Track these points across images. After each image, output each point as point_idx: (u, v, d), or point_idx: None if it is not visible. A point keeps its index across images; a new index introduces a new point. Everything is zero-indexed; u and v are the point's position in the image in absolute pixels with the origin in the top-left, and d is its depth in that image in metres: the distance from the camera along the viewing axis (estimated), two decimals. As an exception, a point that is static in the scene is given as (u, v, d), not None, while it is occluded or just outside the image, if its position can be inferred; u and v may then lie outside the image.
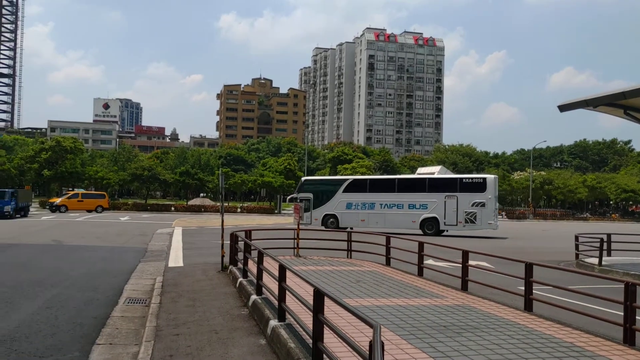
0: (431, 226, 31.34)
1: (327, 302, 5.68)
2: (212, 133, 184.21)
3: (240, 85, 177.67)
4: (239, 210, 60.45)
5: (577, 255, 18.84)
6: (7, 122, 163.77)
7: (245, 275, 11.24)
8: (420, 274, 12.69)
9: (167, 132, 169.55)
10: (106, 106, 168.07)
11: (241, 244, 12.85)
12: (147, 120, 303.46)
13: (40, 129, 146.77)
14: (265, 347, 7.15)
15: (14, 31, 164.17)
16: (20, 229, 28.81)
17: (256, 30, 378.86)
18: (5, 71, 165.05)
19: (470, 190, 31.08)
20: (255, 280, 9.75)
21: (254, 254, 11.16)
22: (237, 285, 11.26)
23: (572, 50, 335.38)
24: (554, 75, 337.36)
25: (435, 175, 36.41)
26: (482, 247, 19.60)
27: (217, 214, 48.02)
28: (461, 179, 33.11)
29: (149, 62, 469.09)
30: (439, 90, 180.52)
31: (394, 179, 36.84)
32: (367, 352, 4.24)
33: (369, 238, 16.23)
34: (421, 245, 12.81)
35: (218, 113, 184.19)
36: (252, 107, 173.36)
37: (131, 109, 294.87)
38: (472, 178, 33.24)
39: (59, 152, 65.86)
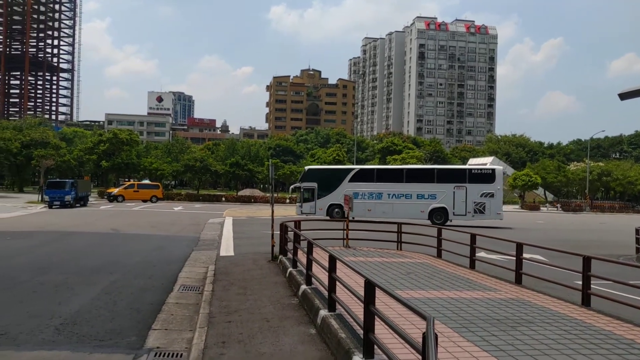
0: (440, 216, 31.65)
1: (378, 293, 5.65)
2: (262, 125, 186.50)
3: (289, 76, 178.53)
4: (287, 201, 60.89)
5: (637, 249, 18.06)
6: (67, 115, 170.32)
7: (294, 265, 11.32)
8: (472, 266, 12.47)
9: (218, 124, 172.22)
10: (160, 99, 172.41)
11: (291, 234, 12.95)
12: (198, 113, 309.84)
13: (98, 121, 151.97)
14: (316, 336, 7.19)
15: (73, 27, 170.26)
16: (80, 217, 29.98)
17: (305, 21, 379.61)
18: (65, 66, 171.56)
19: (479, 181, 31.80)
20: (304, 271, 9.81)
21: (304, 244, 11.23)
22: (287, 275, 11.36)
23: (634, 36, 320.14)
24: (614, 62, 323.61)
25: (444, 166, 37.22)
26: (526, 238, 19.07)
27: (267, 205, 48.56)
28: (470, 169, 33.87)
29: (201, 55, 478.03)
30: (492, 79, 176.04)
31: (402, 169, 36.10)
32: (420, 344, 4.20)
33: (420, 230, 16.04)
34: (473, 237, 12.56)
35: (267, 105, 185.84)
36: (300, 99, 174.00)
37: (183, 102, 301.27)
38: (481, 169, 34.58)
39: (116, 144, 68.03)
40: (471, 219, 31.35)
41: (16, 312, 8.45)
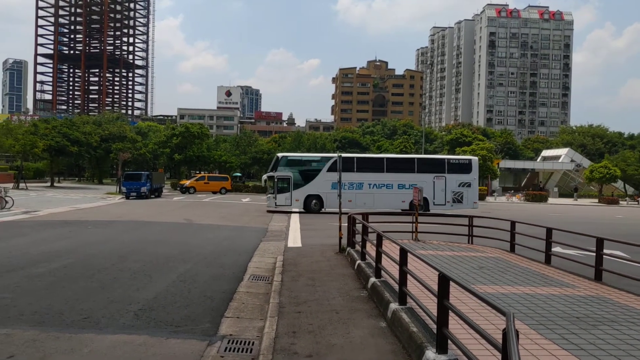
0: (421, 206, 30.64)
1: (451, 287, 5.51)
2: (327, 117, 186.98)
3: (355, 68, 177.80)
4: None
5: None
6: (142, 110, 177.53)
7: (363, 258, 11.26)
8: (547, 261, 11.98)
9: (284, 117, 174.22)
10: (228, 93, 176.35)
11: (359, 227, 12.89)
12: (265, 106, 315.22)
13: (171, 116, 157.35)
14: (386, 329, 7.12)
15: (147, 25, 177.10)
16: (154, 208, 31.18)
17: (373, 11, 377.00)
18: (140, 63, 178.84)
19: (458, 172, 32.06)
20: (373, 263, 9.74)
21: (372, 236, 11.16)
22: (355, 267, 11.33)
23: None
24: None
25: (424, 156, 36.32)
26: (602, 233, 18.09)
27: (333, 197, 48.68)
28: (449, 159, 33.61)
29: (269, 49, 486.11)
30: (567, 68, 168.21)
31: (383, 158, 34.06)
32: (498, 341, 4.05)
33: (491, 223, 15.58)
34: (549, 231, 12.06)
35: (333, 97, 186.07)
36: (367, 90, 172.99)
37: (251, 96, 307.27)
38: (459, 159, 34.24)
39: (187, 138, 70.12)
40: (450, 209, 31.09)
41: (98, 297, 8.88)
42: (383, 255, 9.16)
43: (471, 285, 8.66)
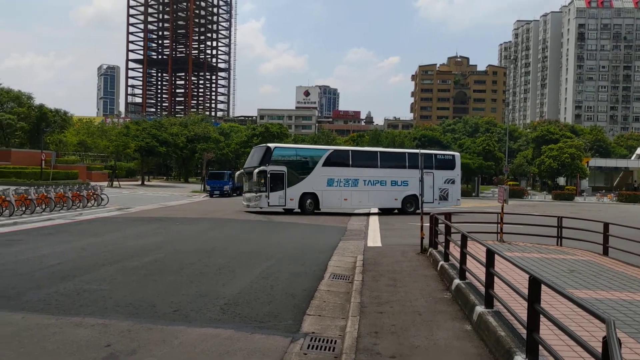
0: (411, 204, 29.39)
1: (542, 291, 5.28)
2: (406, 115, 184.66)
3: (435, 65, 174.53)
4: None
5: None
6: (225, 111, 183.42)
7: (446, 259, 11.03)
8: (646, 266, 11.22)
9: (362, 116, 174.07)
10: (307, 93, 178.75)
11: (441, 227, 12.64)
12: (343, 105, 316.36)
13: (251, 116, 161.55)
14: (471, 333, 6.93)
15: (229, 29, 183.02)
16: (237, 206, 32.08)
17: (455, 6, 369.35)
18: (223, 66, 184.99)
19: (444, 168, 30.63)
20: (457, 264, 9.52)
21: (455, 237, 10.90)
22: (438, 268, 11.11)
23: None
24: None
25: (413, 150, 34.09)
26: None
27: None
28: (435, 154, 31.80)
29: (349, 48, 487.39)
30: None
31: (376, 151, 31.79)
32: (596, 349, 3.84)
33: (582, 224, 14.80)
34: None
35: (412, 94, 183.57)
36: (447, 87, 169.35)
37: (329, 95, 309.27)
38: (443, 154, 32.64)
39: (267, 137, 71.56)
40: (437, 207, 29.14)
41: (187, 291, 9.24)
42: (467, 257, 8.92)
43: (565, 289, 8.26)
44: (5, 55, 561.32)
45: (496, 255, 7.11)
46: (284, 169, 27.37)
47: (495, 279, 7.02)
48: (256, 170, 26.77)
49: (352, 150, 31.63)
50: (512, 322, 6.41)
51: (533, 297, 5.18)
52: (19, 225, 18.93)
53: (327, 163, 28.33)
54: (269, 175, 26.95)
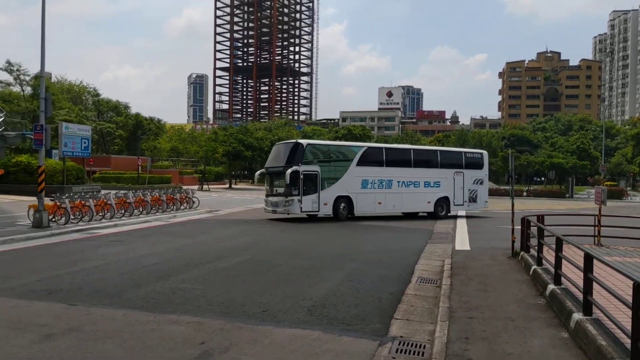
0: (442, 207, 27.02)
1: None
2: (494, 114, 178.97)
3: (524, 61, 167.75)
4: (524, 194, 57.55)
5: None
6: (307, 115, 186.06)
7: (539, 263, 10.56)
8: None
9: (447, 116, 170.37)
10: (389, 94, 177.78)
11: (533, 230, 12.13)
12: (427, 105, 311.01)
13: (333, 119, 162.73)
14: (568, 340, 6.59)
15: (311, 33, 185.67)
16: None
17: None
18: (305, 70, 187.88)
19: (473, 167, 28.53)
20: (551, 269, 9.09)
21: (548, 240, 10.42)
22: (531, 272, 10.66)
23: None
24: None
25: (445, 148, 31.86)
26: None
27: (499, 197, 46.51)
28: (465, 152, 29.83)
29: (433, 47, 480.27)
30: None
31: (410, 149, 28.91)
32: None
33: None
34: None
35: (500, 92, 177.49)
36: (537, 84, 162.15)
37: (412, 95, 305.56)
38: (472, 153, 30.41)
39: (350, 140, 71.97)
40: (467, 209, 28.12)
41: (275, 292, 9.45)
42: (563, 261, 8.50)
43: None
44: (105, 68, 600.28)
45: (595, 260, 6.73)
46: (317, 169, 24.07)
47: (594, 284, 6.65)
48: (289, 171, 23.02)
49: (385, 148, 28.53)
50: (613, 330, 6.05)
51: (638, 305, 4.85)
52: (119, 227, 20.17)
53: (361, 162, 25.33)
54: (302, 177, 23.56)
